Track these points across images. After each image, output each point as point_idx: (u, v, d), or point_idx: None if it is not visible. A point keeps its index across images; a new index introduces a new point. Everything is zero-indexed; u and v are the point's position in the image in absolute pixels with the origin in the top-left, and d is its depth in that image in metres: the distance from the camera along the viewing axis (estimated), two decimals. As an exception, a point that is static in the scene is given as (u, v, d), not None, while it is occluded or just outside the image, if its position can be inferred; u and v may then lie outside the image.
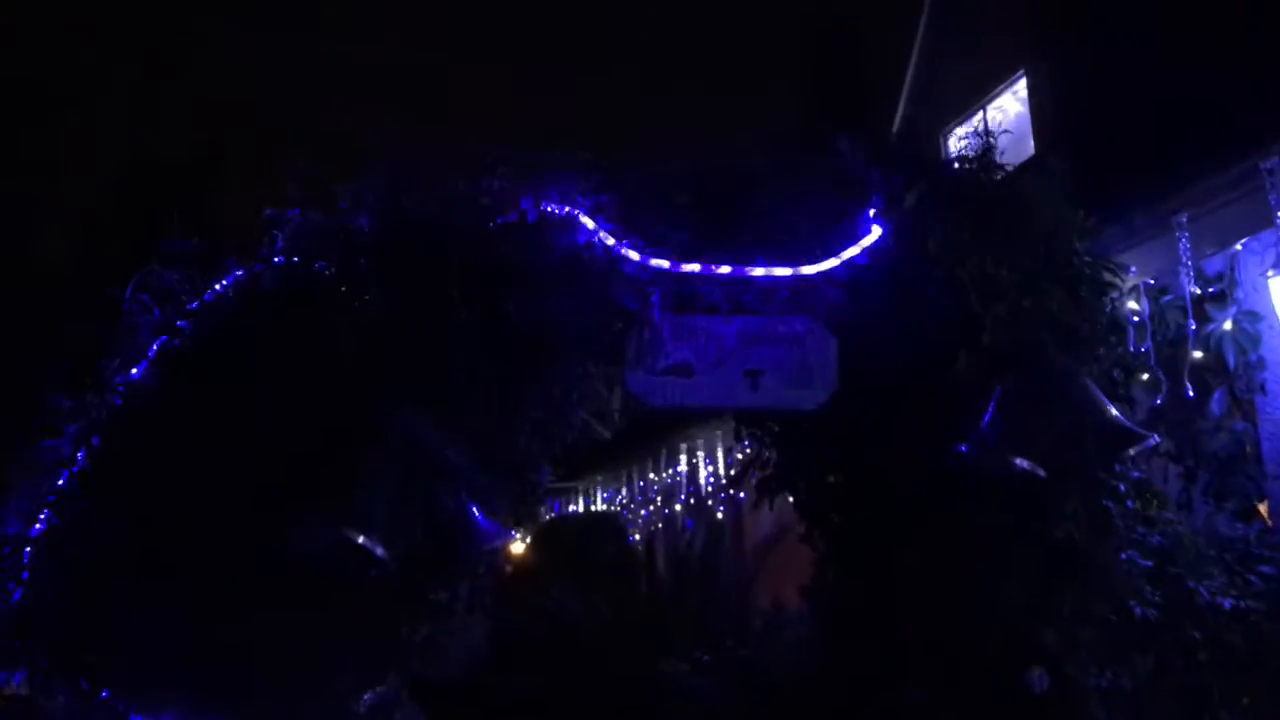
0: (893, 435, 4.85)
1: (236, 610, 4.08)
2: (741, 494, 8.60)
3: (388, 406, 4.28)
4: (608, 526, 9.49)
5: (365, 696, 4.35)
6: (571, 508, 12.62)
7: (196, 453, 4.22)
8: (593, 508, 12.14)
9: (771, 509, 5.83)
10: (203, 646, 4.10)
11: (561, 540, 8.81)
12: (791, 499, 5.60)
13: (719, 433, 9.37)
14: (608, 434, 5.36)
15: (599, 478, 11.73)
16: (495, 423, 4.56)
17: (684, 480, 9.82)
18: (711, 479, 9.26)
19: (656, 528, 10.27)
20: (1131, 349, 5.74)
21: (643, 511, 10.43)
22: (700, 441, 9.76)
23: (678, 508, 9.83)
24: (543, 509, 14.78)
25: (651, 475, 10.18)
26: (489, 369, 4.45)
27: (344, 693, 4.33)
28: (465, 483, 4.47)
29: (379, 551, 4.08)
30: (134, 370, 4.46)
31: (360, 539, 4.05)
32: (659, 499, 10.14)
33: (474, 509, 4.50)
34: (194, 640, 4.10)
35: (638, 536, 10.08)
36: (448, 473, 4.39)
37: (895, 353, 4.79)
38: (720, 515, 9.56)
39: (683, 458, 9.75)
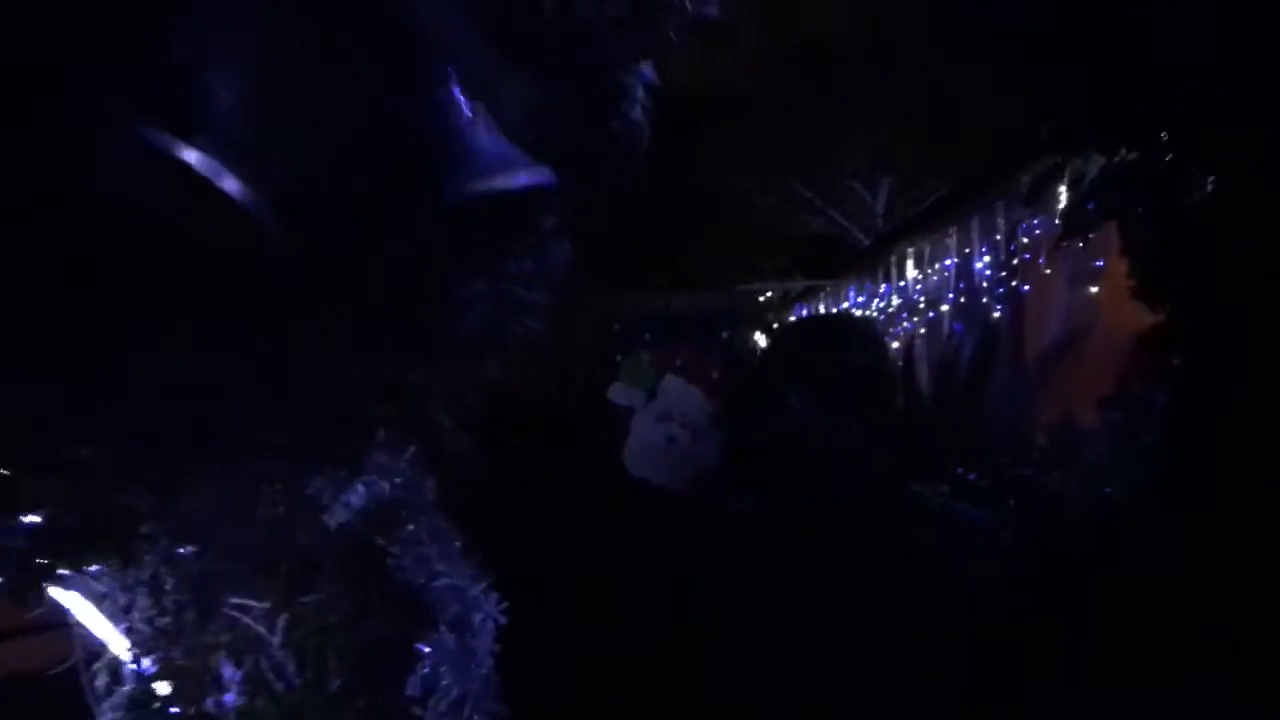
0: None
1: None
2: (1024, 286, 6.87)
3: None
4: (857, 331, 8.01)
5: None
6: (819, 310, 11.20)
7: None
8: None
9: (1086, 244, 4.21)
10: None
11: (803, 345, 7.48)
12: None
13: (1000, 211, 7.57)
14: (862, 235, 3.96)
15: (850, 278, 10.13)
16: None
17: (952, 275, 8.15)
18: (987, 271, 7.52)
19: (918, 335, 8.72)
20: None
21: (901, 317, 8.87)
22: (975, 224, 7.97)
23: (944, 308, 8.21)
24: (782, 308, 13.37)
25: (913, 272, 8.57)
26: None
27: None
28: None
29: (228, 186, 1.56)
30: None
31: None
32: (921, 301, 8.56)
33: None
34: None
35: (896, 345, 8.62)
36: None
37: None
38: (996, 315, 7.84)
39: (951, 242, 8.04)
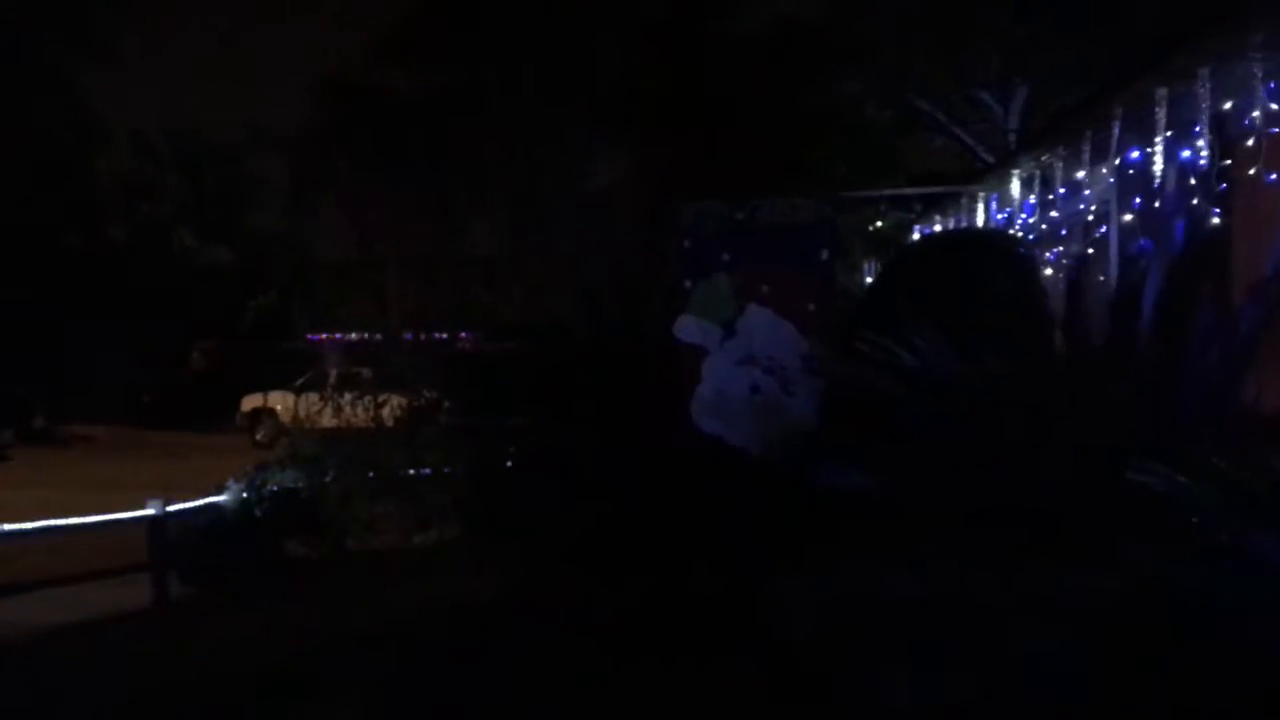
0: None
1: None
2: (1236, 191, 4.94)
3: None
4: (1002, 250, 6.03)
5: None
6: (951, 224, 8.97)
7: None
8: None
9: None
10: None
11: (933, 267, 5.62)
12: None
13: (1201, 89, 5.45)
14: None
15: (994, 181, 7.89)
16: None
17: (1133, 179, 6.00)
18: (1204, 160, 5.25)
19: (1085, 258, 6.61)
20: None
21: (1063, 233, 6.74)
22: (1160, 112, 5.83)
23: (1127, 218, 6.03)
24: (900, 224, 11.30)
25: (1080, 173, 6.39)
26: None
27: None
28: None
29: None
30: None
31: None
32: (1090, 212, 6.41)
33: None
34: None
35: (1049, 271, 6.52)
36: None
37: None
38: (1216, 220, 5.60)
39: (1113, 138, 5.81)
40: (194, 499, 8.41)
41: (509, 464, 8.27)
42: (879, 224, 10.61)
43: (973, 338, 4.83)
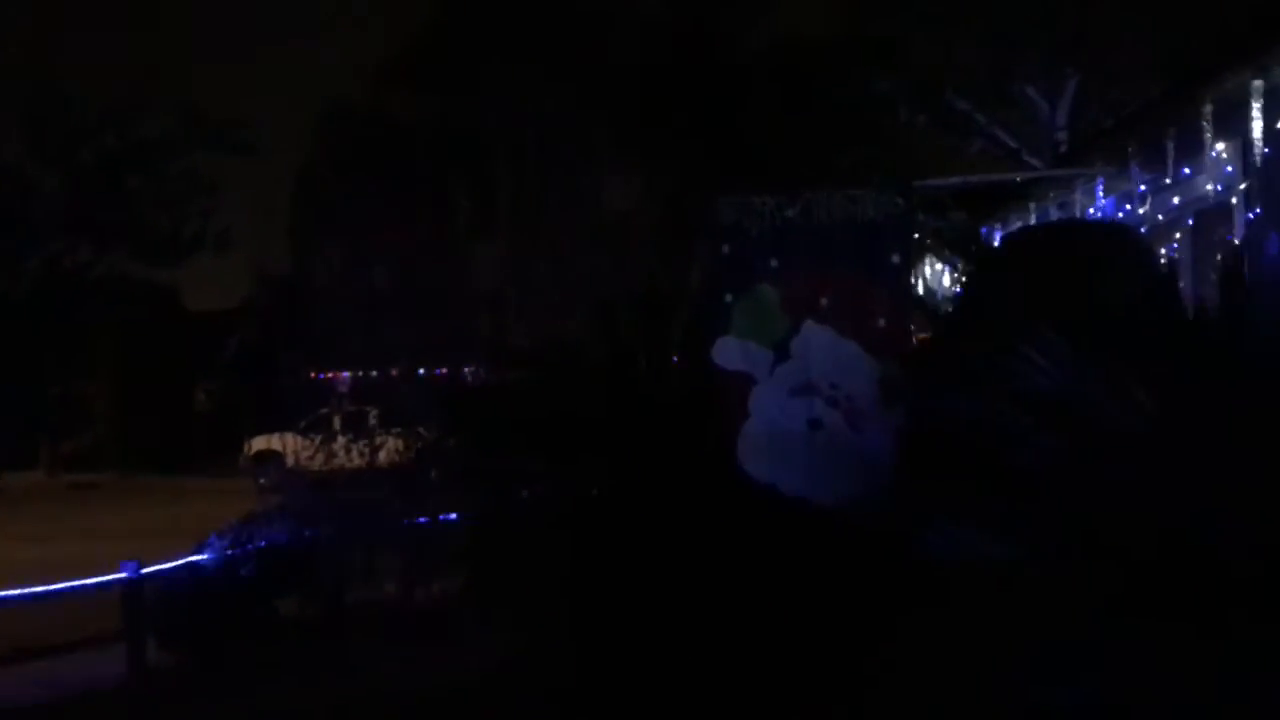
0: None
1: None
2: None
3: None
4: (1128, 244, 4.78)
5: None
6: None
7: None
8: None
9: None
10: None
11: (1040, 263, 4.40)
12: None
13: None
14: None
15: (1108, 167, 6.57)
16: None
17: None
18: None
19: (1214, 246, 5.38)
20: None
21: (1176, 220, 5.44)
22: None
23: (1240, 187, 4.77)
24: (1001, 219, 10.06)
25: (1216, 151, 5.11)
26: None
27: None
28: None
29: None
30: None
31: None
32: (1211, 191, 5.13)
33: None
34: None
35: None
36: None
37: None
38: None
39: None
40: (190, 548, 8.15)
41: (511, 514, 7.39)
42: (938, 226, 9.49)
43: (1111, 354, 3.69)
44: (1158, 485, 3.46)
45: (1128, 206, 6.03)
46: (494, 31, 18.32)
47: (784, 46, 14.36)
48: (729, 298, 5.37)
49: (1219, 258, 4.93)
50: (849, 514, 4.74)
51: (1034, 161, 12.42)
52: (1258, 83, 4.99)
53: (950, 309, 5.43)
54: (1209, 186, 5.57)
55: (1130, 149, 5.93)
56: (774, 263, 5.35)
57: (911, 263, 5.71)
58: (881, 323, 5.22)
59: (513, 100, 18.09)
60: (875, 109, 12.53)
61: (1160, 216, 5.95)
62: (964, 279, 5.37)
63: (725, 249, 5.46)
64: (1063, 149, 11.50)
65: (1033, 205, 7.48)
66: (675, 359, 6.03)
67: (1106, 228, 5.80)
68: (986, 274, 5.10)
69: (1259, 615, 2.98)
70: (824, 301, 5.28)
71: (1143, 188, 5.75)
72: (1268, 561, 3.19)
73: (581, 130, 16.98)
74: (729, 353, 5.34)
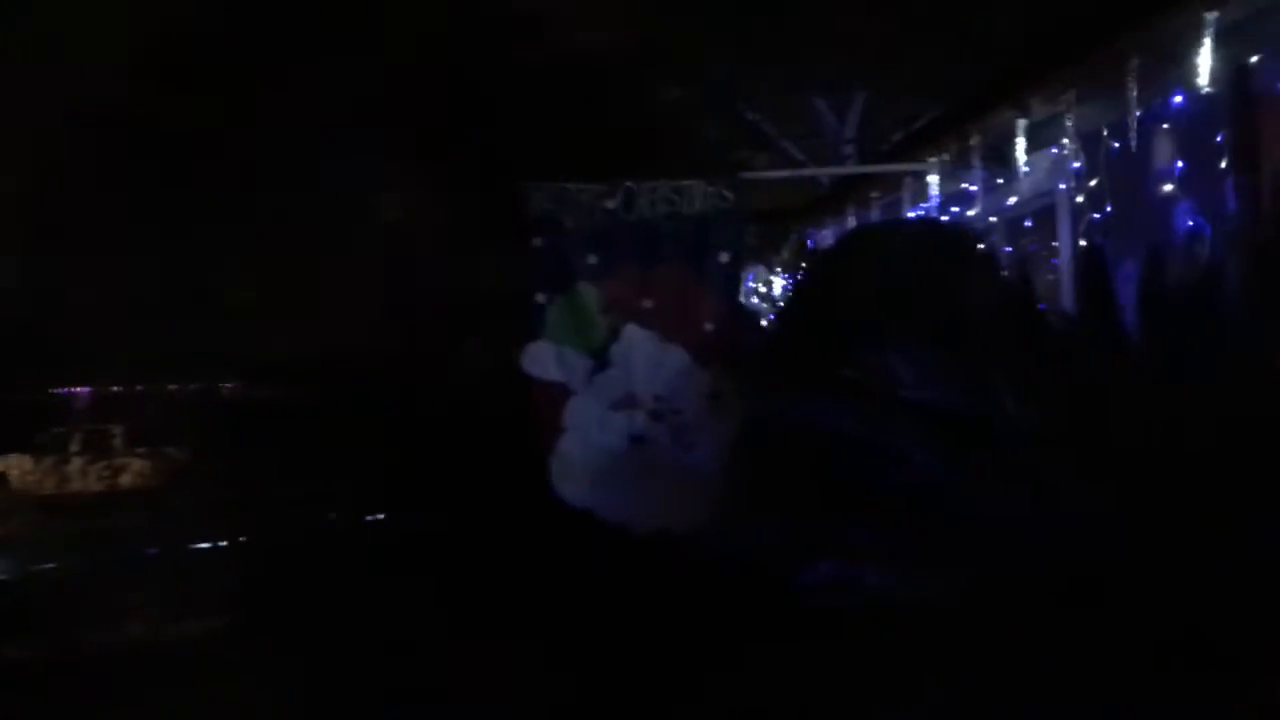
0: None
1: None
2: None
3: None
4: (975, 242, 4.45)
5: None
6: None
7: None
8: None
9: None
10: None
11: (891, 262, 3.92)
12: None
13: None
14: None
15: (937, 158, 6.29)
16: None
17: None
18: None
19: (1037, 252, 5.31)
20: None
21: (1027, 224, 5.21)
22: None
23: (1102, 212, 4.63)
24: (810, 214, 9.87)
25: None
26: None
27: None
28: None
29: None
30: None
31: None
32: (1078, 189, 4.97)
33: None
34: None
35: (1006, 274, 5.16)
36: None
37: None
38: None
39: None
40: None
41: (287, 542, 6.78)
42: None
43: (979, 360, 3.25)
44: (1045, 500, 3.08)
45: (956, 208, 5.85)
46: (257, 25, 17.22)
47: (569, 51, 13.99)
48: (541, 298, 4.74)
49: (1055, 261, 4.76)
50: (679, 542, 4.22)
51: (822, 177, 12.39)
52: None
53: (785, 314, 5.01)
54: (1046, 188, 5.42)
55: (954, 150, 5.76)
56: (592, 259, 4.76)
57: (743, 263, 5.25)
58: (710, 327, 4.72)
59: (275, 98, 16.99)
60: (665, 118, 12.19)
61: (993, 219, 5.79)
62: (800, 282, 4.94)
63: (537, 243, 4.83)
64: (849, 162, 11.48)
65: (850, 208, 7.26)
66: (476, 368, 5.37)
67: (957, 225, 5.56)
68: (830, 275, 4.68)
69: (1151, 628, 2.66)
70: (647, 303, 4.72)
71: (975, 188, 5.56)
72: (1161, 576, 2.85)
73: (357, 127, 16.09)
74: (542, 360, 4.70)
